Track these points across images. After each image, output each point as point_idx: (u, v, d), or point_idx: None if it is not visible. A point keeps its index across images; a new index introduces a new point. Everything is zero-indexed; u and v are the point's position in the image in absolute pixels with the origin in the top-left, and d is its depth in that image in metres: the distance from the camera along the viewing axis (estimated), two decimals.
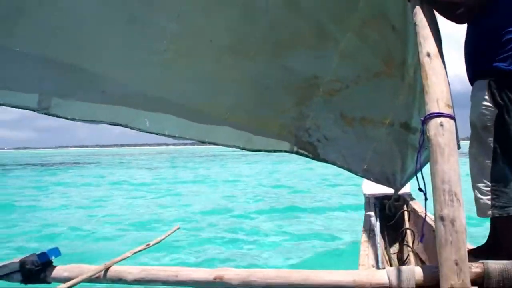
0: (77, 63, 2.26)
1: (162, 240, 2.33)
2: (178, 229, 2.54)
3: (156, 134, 2.51)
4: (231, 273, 1.72)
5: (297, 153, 3.01)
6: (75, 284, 1.78)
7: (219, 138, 2.79)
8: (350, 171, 3.21)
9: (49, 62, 2.21)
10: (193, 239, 7.47)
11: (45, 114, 2.25)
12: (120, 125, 2.43)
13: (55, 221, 10.02)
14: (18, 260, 2.00)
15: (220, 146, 2.85)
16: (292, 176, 20.34)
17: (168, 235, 2.42)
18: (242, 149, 2.84)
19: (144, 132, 2.46)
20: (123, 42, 2.33)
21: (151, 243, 2.24)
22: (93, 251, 7.03)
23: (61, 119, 2.29)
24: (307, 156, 3.03)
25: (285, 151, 2.99)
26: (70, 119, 2.32)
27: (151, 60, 2.38)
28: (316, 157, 3.05)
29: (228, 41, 2.51)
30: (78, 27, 2.23)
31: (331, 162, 3.12)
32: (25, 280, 2.01)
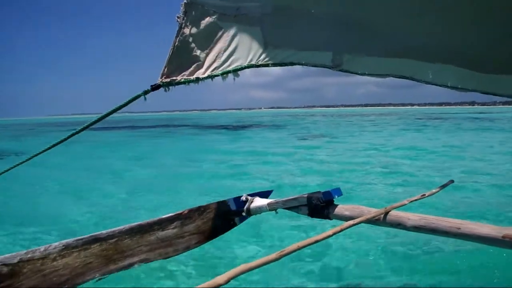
0: (363, 19, 2.30)
1: (436, 192, 2.32)
2: (451, 183, 2.45)
3: (440, 86, 2.39)
4: None
5: None
6: (358, 224, 1.83)
7: (502, 89, 2.48)
8: None
9: (339, 20, 2.32)
10: (462, 196, 7.13)
11: (339, 70, 2.39)
12: (405, 77, 2.40)
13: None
14: (305, 196, 2.22)
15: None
16: None
17: (442, 187, 2.37)
18: None
19: (428, 84, 2.38)
20: None
21: (427, 193, 2.26)
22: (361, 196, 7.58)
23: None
24: None
25: None
26: (360, 74, 2.40)
27: (430, 8, 2.25)
28: None
29: None
30: None
31: None
32: (310, 214, 2.21)
